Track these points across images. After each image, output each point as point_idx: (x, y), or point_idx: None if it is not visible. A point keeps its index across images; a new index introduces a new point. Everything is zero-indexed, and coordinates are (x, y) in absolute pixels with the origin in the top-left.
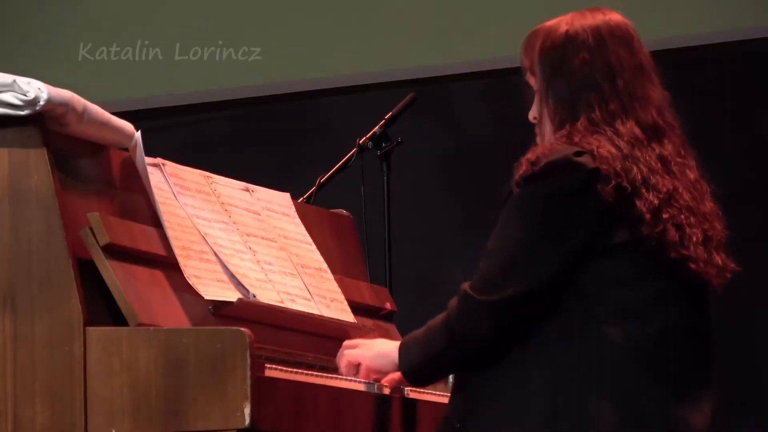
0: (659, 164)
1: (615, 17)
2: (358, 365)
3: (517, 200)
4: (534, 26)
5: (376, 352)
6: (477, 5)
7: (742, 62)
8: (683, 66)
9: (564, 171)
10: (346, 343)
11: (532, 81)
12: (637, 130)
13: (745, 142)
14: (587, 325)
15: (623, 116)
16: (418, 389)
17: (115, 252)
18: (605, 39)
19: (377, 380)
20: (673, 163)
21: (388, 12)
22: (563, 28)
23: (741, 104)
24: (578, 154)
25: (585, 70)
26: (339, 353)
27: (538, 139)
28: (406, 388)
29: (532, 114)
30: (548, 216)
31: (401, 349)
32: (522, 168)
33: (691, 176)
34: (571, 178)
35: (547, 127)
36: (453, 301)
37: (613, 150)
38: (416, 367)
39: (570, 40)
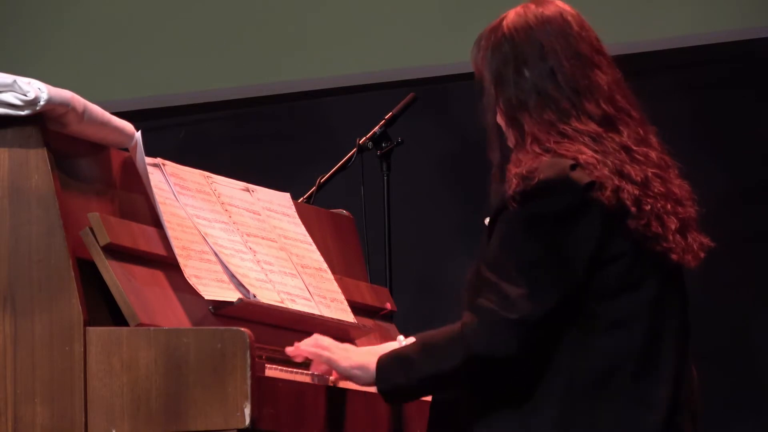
0: (624, 154)
1: (549, 8)
2: (325, 360)
3: (519, 218)
4: None
5: (356, 363)
6: (477, 5)
7: (750, 61)
8: (689, 65)
9: (562, 191)
10: (318, 340)
11: (485, 87)
12: (593, 125)
13: (750, 141)
14: (580, 338)
15: (575, 113)
16: None
17: (115, 252)
18: (537, 35)
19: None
20: (635, 150)
21: (388, 12)
22: (500, 30)
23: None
24: (572, 167)
25: (525, 73)
26: (310, 344)
27: (509, 142)
28: None
29: (494, 117)
30: (557, 235)
31: (384, 367)
32: (513, 183)
33: (655, 158)
34: (571, 196)
35: (510, 133)
36: (469, 319)
37: (590, 151)
38: (404, 387)
39: (507, 43)
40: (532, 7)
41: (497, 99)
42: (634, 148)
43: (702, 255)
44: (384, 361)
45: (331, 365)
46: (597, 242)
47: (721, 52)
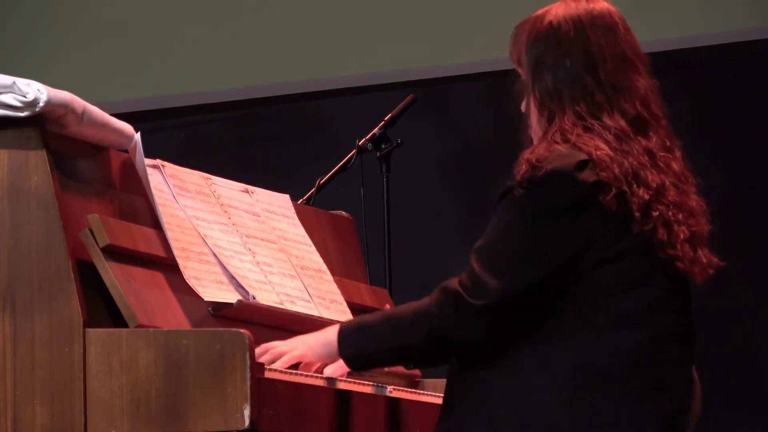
0: (646, 158)
1: (599, 5)
2: (296, 359)
3: (516, 204)
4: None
5: (319, 344)
6: (477, 6)
7: (751, 62)
8: (689, 65)
9: (566, 185)
10: (271, 351)
11: (522, 72)
12: (623, 123)
13: (750, 141)
14: (583, 332)
15: (609, 108)
16: (416, 391)
17: (114, 253)
18: (586, 29)
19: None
20: (658, 157)
21: (388, 13)
22: (547, 19)
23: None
24: (581, 164)
25: (567, 63)
26: (270, 360)
27: (530, 131)
28: (405, 389)
29: (524, 106)
30: (546, 226)
31: (346, 335)
32: (522, 168)
33: (677, 169)
34: (573, 193)
35: (534, 119)
36: (437, 298)
37: (608, 149)
38: (368, 355)
39: (553, 31)
40: (583, 2)
41: (533, 87)
42: (659, 154)
43: (710, 271)
44: (346, 330)
45: (302, 360)
46: (590, 241)
47: (721, 52)
